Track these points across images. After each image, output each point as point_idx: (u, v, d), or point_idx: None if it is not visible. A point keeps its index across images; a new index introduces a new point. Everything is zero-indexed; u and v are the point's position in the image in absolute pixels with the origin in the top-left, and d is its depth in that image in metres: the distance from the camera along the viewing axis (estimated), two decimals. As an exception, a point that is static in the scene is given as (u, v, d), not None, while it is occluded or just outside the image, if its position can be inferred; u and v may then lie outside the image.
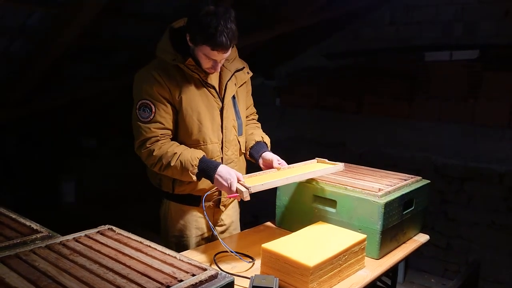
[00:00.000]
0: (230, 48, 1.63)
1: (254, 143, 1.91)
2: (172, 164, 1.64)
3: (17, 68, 2.77)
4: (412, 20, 3.63)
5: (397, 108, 3.70)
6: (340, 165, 1.76)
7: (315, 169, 1.72)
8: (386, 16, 3.78)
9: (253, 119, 2.08)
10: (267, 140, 1.96)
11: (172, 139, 1.74)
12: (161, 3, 2.72)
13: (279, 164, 1.77)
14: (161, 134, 1.69)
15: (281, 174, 1.68)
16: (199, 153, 1.67)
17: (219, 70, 1.71)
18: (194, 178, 1.65)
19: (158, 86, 1.66)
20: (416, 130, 3.64)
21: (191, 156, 1.64)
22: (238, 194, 1.51)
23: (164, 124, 1.69)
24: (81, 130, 4.33)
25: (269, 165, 1.80)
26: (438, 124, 3.50)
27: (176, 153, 1.65)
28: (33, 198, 3.86)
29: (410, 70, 3.59)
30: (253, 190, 1.48)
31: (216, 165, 1.63)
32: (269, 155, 1.83)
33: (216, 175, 1.60)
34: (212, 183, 1.64)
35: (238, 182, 1.55)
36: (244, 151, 1.93)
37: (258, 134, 1.96)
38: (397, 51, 3.71)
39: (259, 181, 1.56)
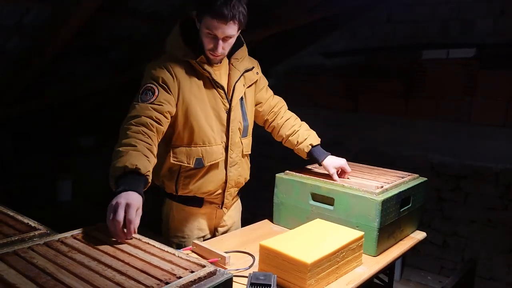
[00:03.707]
0: (232, 25, 1.54)
1: (310, 147, 1.90)
2: (117, 148, 1.44)
3: (13, 66, 2.76)
4: (409, 18, 3.65)
5: (394, 106, 3.71)
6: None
7: None
8: (383, 15, 3.79)
9: (283, 107, 2.01)
10: (314, 137, 1.94)
11: (172, 139, 1.70)
12: (158, 0, 2.71)
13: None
14: (155, 117, 1.53)
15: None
16: (145, 166, 1.38)
17: (219, 53, 1.60)
18: (112, 175, 1.38)
19: (167, 78, 1.60)
20: (413, 128, 3.65)
21: (133, 160, 1.37)
22: (218, 259, 1.50)
23: (162, 106, 1.56)
24: (79, 129, 4.31)
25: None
26: (435, 122, 3.52)
27: (136, 146, 1.43)
28: (29, 196, 3.84)
29: (407, 68, 3.61)
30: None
31: (134, 188, 1.30)
32: (330, 165, 1.85)
33: (123, 193, 1.28)
34: (113, 195, 1.30)
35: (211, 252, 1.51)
36: (247, 152, 1.88)
37: (309, 135, 1.93)
38: (394, 50, 3.73)
39: None
